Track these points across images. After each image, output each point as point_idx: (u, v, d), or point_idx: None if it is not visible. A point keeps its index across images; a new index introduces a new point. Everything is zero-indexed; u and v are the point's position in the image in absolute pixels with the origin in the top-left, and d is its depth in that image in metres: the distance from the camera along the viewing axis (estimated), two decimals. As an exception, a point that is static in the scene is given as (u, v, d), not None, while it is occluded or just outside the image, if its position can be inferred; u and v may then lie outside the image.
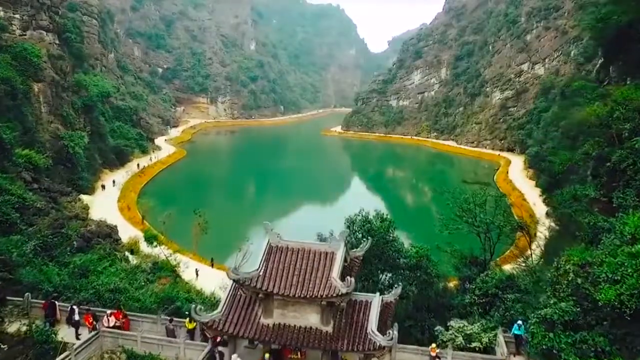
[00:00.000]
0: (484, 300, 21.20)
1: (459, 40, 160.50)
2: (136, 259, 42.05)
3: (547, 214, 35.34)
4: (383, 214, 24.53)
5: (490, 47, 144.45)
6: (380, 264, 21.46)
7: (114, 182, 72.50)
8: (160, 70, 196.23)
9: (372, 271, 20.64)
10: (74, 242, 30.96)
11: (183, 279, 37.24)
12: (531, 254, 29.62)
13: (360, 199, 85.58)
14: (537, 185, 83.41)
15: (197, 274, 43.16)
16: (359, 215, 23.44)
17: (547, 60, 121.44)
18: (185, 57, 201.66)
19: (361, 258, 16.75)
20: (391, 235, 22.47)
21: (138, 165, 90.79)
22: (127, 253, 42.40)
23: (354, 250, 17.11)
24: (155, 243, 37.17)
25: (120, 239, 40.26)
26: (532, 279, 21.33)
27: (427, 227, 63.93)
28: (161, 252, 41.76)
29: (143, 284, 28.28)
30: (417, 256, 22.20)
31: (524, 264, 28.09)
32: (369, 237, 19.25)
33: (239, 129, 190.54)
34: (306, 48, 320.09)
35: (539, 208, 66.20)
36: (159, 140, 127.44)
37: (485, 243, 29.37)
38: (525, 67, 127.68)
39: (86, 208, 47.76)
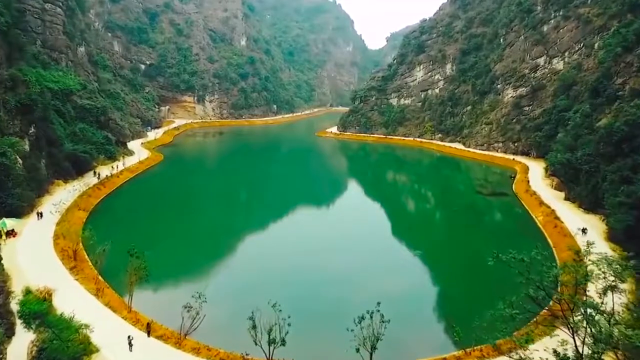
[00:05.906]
0: None
1: (466, 33, 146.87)
2: (36, 331, 28.52)
3: None
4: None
5: (502, 40, 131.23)
6: None
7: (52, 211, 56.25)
8: (142, 66, 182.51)
9: None
10: None
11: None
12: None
13: (359, 215, 71.10)
14: (566, 198, 71.07)
15: (130, 344, 30.13)
16: None
17: (566, 53, 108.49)
18: (170, 53, 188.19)
19: None
20: None
21: (99, 175, 77.16)
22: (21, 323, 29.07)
23: None
24: (38, 322, 23.26)
25: (7, 304, 26.79)
26: None
27: (445, 256, 50.10)
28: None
29: None
30: None
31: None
32: None
33: (228, 130, 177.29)
34: (301, 44, 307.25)
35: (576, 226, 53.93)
36: (134, 144, 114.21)
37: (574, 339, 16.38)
38: (541, 61, 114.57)
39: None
